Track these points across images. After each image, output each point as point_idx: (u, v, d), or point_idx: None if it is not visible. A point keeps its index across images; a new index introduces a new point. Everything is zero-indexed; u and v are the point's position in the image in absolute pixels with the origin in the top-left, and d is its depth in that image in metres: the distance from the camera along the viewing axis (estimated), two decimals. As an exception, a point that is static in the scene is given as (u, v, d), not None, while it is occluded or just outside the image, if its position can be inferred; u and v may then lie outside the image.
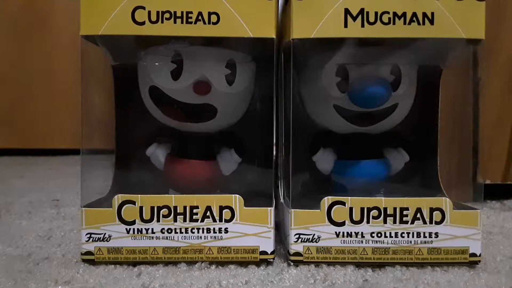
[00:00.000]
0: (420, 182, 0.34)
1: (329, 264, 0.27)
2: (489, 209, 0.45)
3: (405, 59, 0.29)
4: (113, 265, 0.26)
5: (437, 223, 0.26)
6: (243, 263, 0.26)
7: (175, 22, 0.25)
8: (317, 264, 0.27)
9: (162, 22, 0.25)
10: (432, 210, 0.26)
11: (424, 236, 0.26)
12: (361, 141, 0.31)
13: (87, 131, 0.28)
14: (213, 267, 0.26)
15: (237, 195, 0.26)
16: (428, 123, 0.33)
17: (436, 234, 0.26)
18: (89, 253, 0.26)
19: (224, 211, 0.26)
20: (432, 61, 0.32)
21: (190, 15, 0.25)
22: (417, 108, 0.32)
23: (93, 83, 0.30)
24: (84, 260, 0.26)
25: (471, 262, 0.27)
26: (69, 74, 0.90)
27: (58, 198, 0.48)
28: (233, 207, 0.26)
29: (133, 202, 0.26)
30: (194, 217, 0.26)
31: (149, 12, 0.25)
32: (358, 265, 0.27)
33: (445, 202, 0.27)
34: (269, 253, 0.26)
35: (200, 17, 0.26)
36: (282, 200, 0.30)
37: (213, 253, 0.26)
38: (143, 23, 0.25)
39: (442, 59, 0.32)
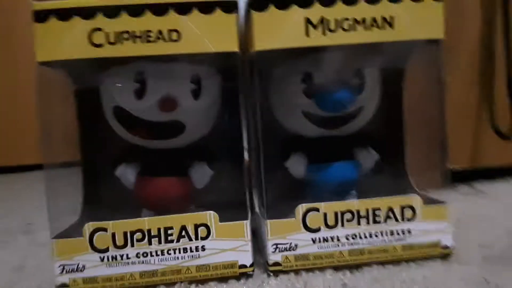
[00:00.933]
0: (390, 178, 0.35)
1: (308, 270, 0.27)
2: (458, 194, 0.46)
3: (368, 63, 0.30)
4: (90, 295, 0.25)
5: (408, 220, 0.27)
6: (223, 279, 0.26)
7: (134, 42, 0.25)
8: (297, 271, 0.27)
9: (121, 43, 0.25)
10: (403, 208, 0.27)
11: (398, 234, 0.27)
12: (331, 143, 0.32)
13: (48, 148, 0.28)
14: (193, 286, 0.26)
15: (212, 212, 0.26)
16: (394, 121, 0.34)
17: (409, 231, 0.27)
18: (64, 285, 0.25)
19: (199, 229, 0.26)
20: (394, 63, 0.32)
21: (149, 33, 0.25)
22: (383, 108, 0.32)
23: (54, 106, 0.29)
24: (59, 292, 0.25)
25: (444, 254, 0.27)
26: (31, 88, 0.87)
27: (29, 220, 0.46)
28: (209, 224, 0.26)
29: (105, 229, 0.25)
30: (170, 238, 0.26)
31: (107, 34, 0.25)
32: (336, 268, 0.27)
33: (415, 200, 0.27)
34: (248, 266, 0.26)
35: (160, 35, 0.25)
36: (257, 210, 0.31)
37: (192, 273, 0.26)
38: (101, 45, 0.25)
39: (404, 59, 0.33)
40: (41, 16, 0.25)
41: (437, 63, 0.29)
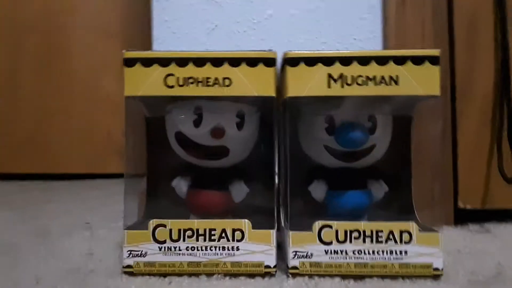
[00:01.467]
0: (397, 208, 0.40)
1: (320, 276, 0.33)
2: (467, 231, 0.50)
3: (379, 110, 0.36)
4: (148, 276, 0.33)
5: (406, 243, 0.33)
6: (251, 275, 0.33)
7: (197, 85, 0.33)
8: (310, 276, 0.33)
9: (187, 85, 0.33)
10: (401, 232, 0.33)
11: (396, 254, 0.33)
12: (348, 174, 0.38)
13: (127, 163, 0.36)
14: (227, 278, 0.32)
15: (246, 220, 0.33)
16: (403, 160, 0.40)
17: (406, 252, 0.33)
18: (129, 266, 0.33)
19: (236, 232, 0.33)
20: (402, 110, 0.39)
21: (209, 79, 0.33)
22: (394, 147, 0.39)
23: (132, 129, 0.37)
24: (125, 272, 0.33)
25: (435, 275, 0.33)
26: (85, 106, 1.00)
27: (88, 220, 0.55)
28: (243, 230, 0.33)
29: (164, 226, 0.33)
30: (212, 237, 0.33)
31: (178, 78, 0.33)
32: (343, 277, 0.33)
33: (412, 226, 0.33)
34: (272, 267, 0.33)
35: (216, 81, 0.33)
36: (283, 224, 0.37)
37: (227, 267, 0.33)
38: (172, 87, 0.33)
39: (410, 108, 0.39)
40: (130, 62, 0.33)
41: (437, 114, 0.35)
